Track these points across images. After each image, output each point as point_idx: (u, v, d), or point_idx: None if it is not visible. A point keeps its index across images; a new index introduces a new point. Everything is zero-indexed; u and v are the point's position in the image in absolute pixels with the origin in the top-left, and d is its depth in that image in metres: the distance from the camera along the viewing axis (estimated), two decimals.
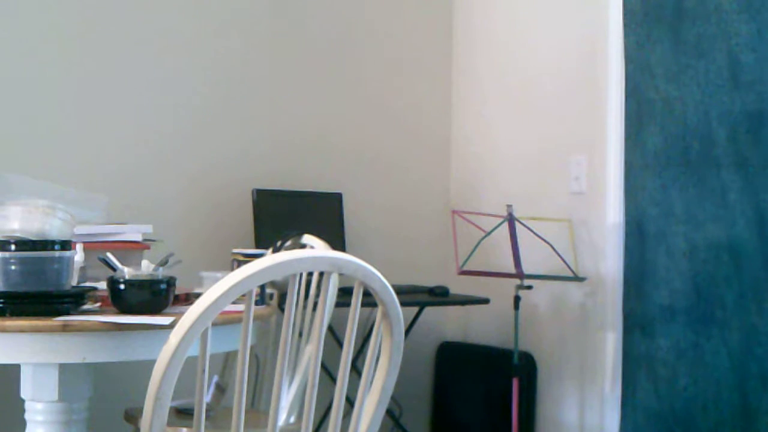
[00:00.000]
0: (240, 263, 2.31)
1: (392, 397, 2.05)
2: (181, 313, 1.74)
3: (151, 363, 1.76)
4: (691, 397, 3.51)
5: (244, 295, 1.73)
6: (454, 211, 3.97)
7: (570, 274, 3.74)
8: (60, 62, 3.70)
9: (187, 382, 1.88)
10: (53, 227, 2.32)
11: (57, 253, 2.23)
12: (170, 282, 2.30)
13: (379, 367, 1.94)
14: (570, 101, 4.02)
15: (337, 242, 3.98)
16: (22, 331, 2.10)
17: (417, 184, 4.46)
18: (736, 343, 3.39)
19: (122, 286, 2.25)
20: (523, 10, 4.27)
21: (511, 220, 3.77)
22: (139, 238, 2.96)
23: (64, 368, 2.20)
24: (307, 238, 3.17)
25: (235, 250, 2.72)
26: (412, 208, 4.44)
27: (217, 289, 1.69)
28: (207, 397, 2.65)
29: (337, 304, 2.99)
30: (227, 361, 3.27)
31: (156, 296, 2.27)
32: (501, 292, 3.99)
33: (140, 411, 2.35)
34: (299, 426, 2.92)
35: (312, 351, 1.85)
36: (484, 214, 3.91)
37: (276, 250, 3.03)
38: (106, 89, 3.77)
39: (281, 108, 4.14)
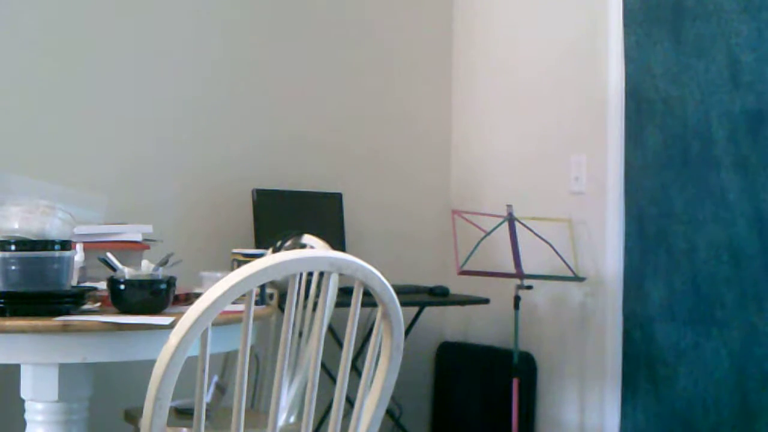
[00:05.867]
0: (240, 263, 2.31)
1: (392, 397, 2.05)
2: (181, 313, 1.74)
3: (151, 363, 1.76)
4: (691, 397, 3.51)
5: (244, 295, 1.73)
6: (454, 211, 3.97)
7: (570, 274, 3.74)
8: (60, 62, 3.70)
9: (187, 382, 1.88)
10: (53, 227, 2.32)
11: (57, 253, 2.23)
12: (170, 282, 2.30)
13: (379, 367, 1.94)
14: (570, 101, 4.02)
15: (337, 242, 3.98)
16: (22, 331, 2.10)
17: (417, 184, 4.46)
18: (736, 343, 3.39)
19: (122, 286, 2.25)
20: (522, 10, 4.27)
21: (511, 220, 3.77)
22: (139, 238, 2.96)
23: (64, 368, 2.20)
24: (307, 238, 3.17)
25: (235, 250, 2.72)
26: (412, 208, 4.44)
27: (217, 289, 1.69)
28: (207, 397, 2.65)
29: (337, 304, 2.99)
30: (227, 361, 3.27)
31: (156, 296, 2.27)
32: (501, 292, 3.99)
33: (140, 411, 2.35)
34: (299, 426, 2.92)
35: (312, 351, 1.85)
36: (484, 214, 3.92)
37: (276, 250, 3.03)
38: (106, 89, 3.77)
39: (281, 108, 4.14)
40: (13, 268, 2.19)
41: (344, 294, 2.52)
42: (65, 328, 2.10)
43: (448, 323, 4.51)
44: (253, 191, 3.90)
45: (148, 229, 3.01)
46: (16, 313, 2.16)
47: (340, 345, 2.75)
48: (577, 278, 3.76)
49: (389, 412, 4.07)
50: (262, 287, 2.62)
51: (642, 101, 3.69)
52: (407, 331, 4.00)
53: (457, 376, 4.38)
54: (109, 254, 2.39)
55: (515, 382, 3.74)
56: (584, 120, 3.95)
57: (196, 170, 3.94)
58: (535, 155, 4.16)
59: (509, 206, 3.80)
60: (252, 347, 2.88)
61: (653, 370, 3.63)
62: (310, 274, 2.97)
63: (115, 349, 2.18)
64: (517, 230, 3.77)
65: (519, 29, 4.28)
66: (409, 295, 3.93)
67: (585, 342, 3.92)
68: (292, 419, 2.99)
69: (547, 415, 4.07)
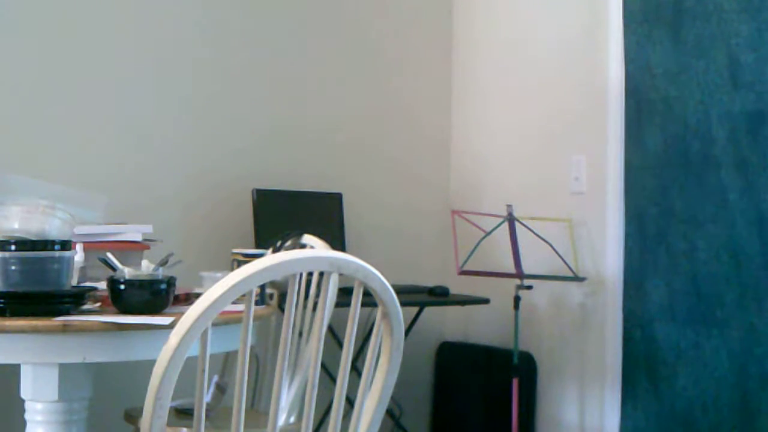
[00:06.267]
0: (240, 263, 2.31)
1: (392, 398, 2.05)
2: (181, 313, 1.74)
3: (151, 363, 1.76)
4: (691, 397, 3.51)
5: (244, 295, 1.73)
6: (454, 211, 3.97)
7: (570, 274, 3.74)
8: (60, 62, 3.69)
9: (187, 382, 1.88)
10: (53, 227, 2.32)
11: (57, 253, 2.23)
12: (170, 282, 2.30)
13: (379, 367, 1.94)
14: (570, 101, 4.02)
15: (337, 242, 3.98)
16: (22, 331, 2.10)
17: (417, 184, 4.46)
18: (736, 343, 3.39)
19: (122, 286, 2.25)
20: (523, 10, 4.27)
21: (511, 220, 3.77)
22: (139, 238, 2.96)
23: (64, 368, 2.20)
24: (307, 238, 3.17)
25: (235, 250, 2.72)
26: (412, 208, 4.44)
27: (217, 289, 1.69)
28: (207, 397, 2.65)
29: (337, 304, 2.99)
30: (227, 361, 3.27)
31: (156, 296, 2.27)
32: (501, 292, 3.99)
33: (140, 411, 2.35)
34: (299, 426, 2.92)
35: (312, 351, 1.85)
36: (484, 214, 3.92)
37: (276, 250, 3.03)
38: (106, 89, 3.77)
39: (281, 108, 4.14)
40: (13, 268, 2.19)
41: (344, 294, 2.52)
42: (65, 328, 2.10)
43: (448, 323, 4.51)
44: (253, 191, 3.90)
45: (148, 229, 3.01)
46: (16, 313, 2.16)
47: (340, 345, 2.75)
48: (577, 278, 3.76)
49: (389, 412, 4.07)
50: (262, 287, 2.62)
51: (642, 101, 3.69)
52: (407, 331, 4.00)
53: (457, 376, 4.38)
54: (109, 254, 2.39)
55: (515, 382, 3.74)
56: (584, 120, 3.95)
57: (196, 170, 3.93)
58: (535, 155, 4.16)
59: (509, 206, 3.80)
60: (252, 347, 2.88)
61: (653, 370, 3.63)
62: (310, 274, 2.97)
63: (115, 349, 2.18)
64: (517, 230, 3.77)
65: (519, 29, 4.28)
66: (409, 295, 3.93)
67: (585, 342, 3.92)
68: (292, 419, 2.99)
69: (547, 415, 4.07)
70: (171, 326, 2.06)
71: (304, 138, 4.18)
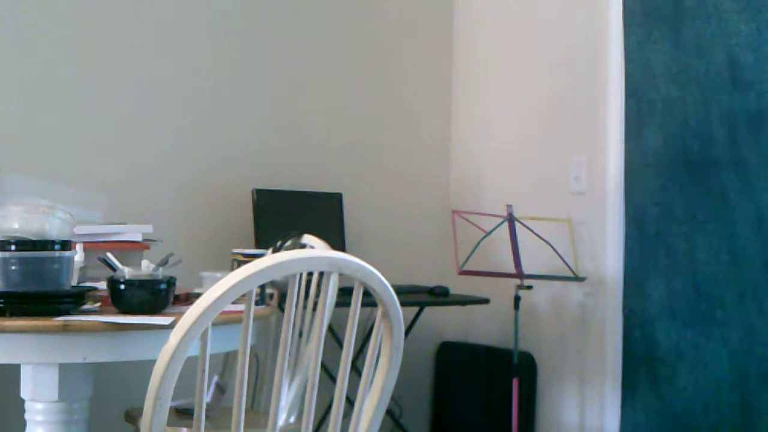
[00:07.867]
0: (240, 263, 2.31)
1: (392, 397, 2.05)
2: (181, 313, 1.74)
3: (151, 363, 1.76)
4: (691, 397, 3.51)
5: (244, 295, 1.73)
6: (454, 211, 3.97)
7: (570, 274, 3.74)
8: (60, 62, 3.70)
9: (187, 382, 1.88)
10: (53, 227, 2.32)
11: (57, 253, 2.23)
12: (170, 282, 2.30)
13: (379, 367, 1.94)
14: (570, 101, 4.02)
15: (337, 242, 3.98)
16: (22, 331, 2.10)
17: (417, 184, 4.46)
18: (736, 343, 3.39)
19: (122, 286, 2.25)
20: (522, 10, 4.27)
21: (511, 220, 3.77)
22: (139, 238, 2.96)
23: (64, 368, 2.20)
24: (307, 238, 3.17)
25: (235, 250, 2.72)
26: (412, 208, 4.44)
27: (217, 289, 1.69)
28: (207, 397, 2.65)
29: (337, 304, 2.99)
30: (227, 361, 3.27)
31: (156, 296, 2.27)
32: (501, 292, 3.99)
33: (140, 411, 2.35)
34: (299, 426, 2.92)
35: (312, 351, 1.85)
36: (484, 214, 3.91)
37: (276, 250, 3.03)
38: (106, 89, 3.77)
39: (281, 108, 4.13)
40: (13, 268, 2.19)
41: (344, 294, 2.52)
42: (65, 328, 2.10)
43: (448, 323, 4.51)
44: (253, 191, 3.90)
45: (148, 229, 3.01)
46: (16, 313, 2.16)
47: (340, 345, 2.75)
48: (577, 278, 3.76)
49: (389, 412, 4.07)
50: (262, 287, 2.62)
51: (642, 101, 3.69)
52: (407, 331, 4.00)
53: (457, 376, 4.38)
54: (109, 254, 2.39)
55: (515, 382, 3.74)
56: (584, 120, 3.95)
57: (196, 170, 3.93)
58: (535, 155, 4.16)
59: (509, 206, 3.80)
60: (252, 347, 2.87)
61: (653, 370, 3.63)
62: (310, 274, 2.97)
63: (115, 349, 2.18)
64: (517, 230, 3.77)
65: (519, 29, 4.28)
66: (409, 295, 3.93)
67: (585, 342, 3.92)
68: (292, 419, 2.99)
69: (547, 415, 4.07)
70: (171, 326, 2.06)
71: (304, 138, 4.18)
